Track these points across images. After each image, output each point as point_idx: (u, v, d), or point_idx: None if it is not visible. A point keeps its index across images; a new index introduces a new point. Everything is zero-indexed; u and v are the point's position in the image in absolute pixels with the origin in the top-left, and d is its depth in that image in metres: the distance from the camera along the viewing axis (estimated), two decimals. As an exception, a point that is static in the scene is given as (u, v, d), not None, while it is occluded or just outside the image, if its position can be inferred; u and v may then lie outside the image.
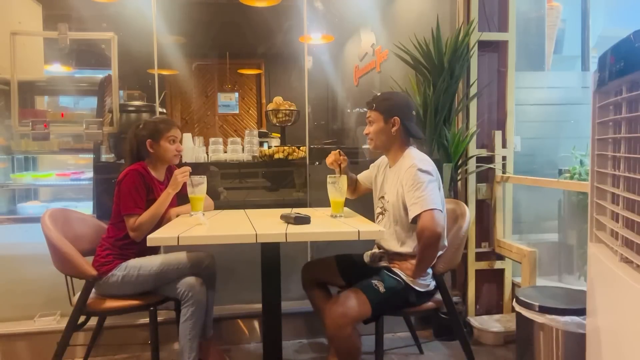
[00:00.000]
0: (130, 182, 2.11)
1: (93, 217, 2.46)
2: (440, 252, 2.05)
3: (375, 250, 2.14)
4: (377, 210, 2.16)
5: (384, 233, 1.79)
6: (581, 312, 1.77)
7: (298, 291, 2.33)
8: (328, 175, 2.03)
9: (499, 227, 2.87)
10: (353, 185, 2.33)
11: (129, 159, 2.25)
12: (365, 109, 2.16)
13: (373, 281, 1.92)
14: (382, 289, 1.90)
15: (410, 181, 1.92)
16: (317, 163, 2.95)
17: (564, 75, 3.40)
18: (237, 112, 6.16)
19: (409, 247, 2.01)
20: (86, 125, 2.80)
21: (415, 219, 1.88)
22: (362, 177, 2.32)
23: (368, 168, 2.33)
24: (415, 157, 1.99)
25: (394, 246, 2.05)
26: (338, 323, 1.79)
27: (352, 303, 1.83)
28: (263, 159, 2.99)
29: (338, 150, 2.14)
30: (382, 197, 2.13)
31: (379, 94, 2.13)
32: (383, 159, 2.22)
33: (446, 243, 2.07)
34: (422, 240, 1.87)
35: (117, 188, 2.14)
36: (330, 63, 5.02)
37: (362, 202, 2.35)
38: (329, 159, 2.13)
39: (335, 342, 1.85)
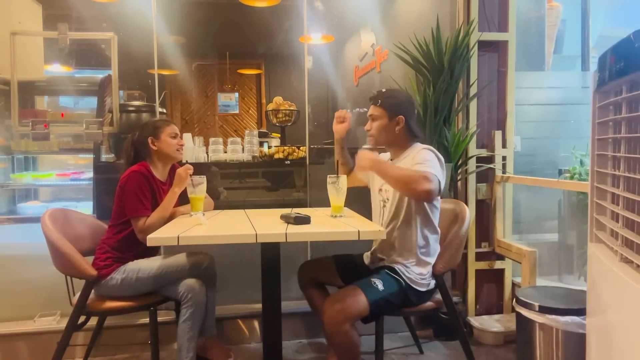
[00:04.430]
0: (135, 183, 2.10)
1: (93, 217, 2.45)
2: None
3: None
4: (380, 203, 2.13)
5: (383, 233, 1.77)
6: (581, 312, 1.77)
7: (298, 291, 2.33)
8: (328, 176, 2.02)
9: (499, 227, 2.86)
10: (348, 169, 2.31)
11: (126, 164, 2.25)
12: (362, 109, 2.14)
13: (372, 279, 1.92)
14: (381, 287, 1.89)
15: (417, 159, 1.90)
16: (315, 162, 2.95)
17: (564, 75, 3.39)
18: (237, 112, 6.16)
19: (407, 257, 2.00)
20: (86, 125, 2.80)
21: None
22: None
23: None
24: (423, 145, 2.01)
25: (392, 256, 2.04)
26: (336, 320, 1.78)
27: (350, 300, 1.82)
28: (263, 158, 2.99)
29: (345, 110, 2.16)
30: (380, 190, 2.12)
31: (384, 90, 2.09)
32: (384, 155, 2.18)
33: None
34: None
35: (119, 190, 2.13)
36: (330, 63, 5.01)
37: (362, 202, 2.35)
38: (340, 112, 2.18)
39: (333, 339, 1.83)
